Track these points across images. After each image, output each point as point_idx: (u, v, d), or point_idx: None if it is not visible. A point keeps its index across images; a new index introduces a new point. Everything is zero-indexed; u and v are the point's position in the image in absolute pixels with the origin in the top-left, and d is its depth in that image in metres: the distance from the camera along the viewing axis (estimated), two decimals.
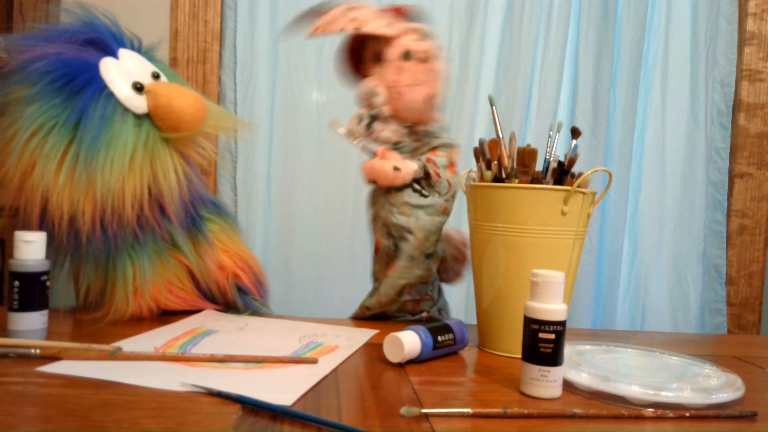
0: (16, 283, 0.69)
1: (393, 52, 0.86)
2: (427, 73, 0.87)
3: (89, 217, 0.77)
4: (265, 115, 1.29)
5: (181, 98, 0.84)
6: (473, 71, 1.29)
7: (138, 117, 0.82)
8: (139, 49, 0.89)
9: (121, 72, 0.83)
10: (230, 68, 1.25)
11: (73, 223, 0.77)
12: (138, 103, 0.82)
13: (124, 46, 0.87)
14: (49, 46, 0.80)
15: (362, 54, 0.93)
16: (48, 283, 0.71)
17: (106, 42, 0.84)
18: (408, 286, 0.89)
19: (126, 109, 0.81)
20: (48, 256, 0.72)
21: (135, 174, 0.79)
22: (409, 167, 0.87)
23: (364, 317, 0.94)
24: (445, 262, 0.94)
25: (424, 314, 0.93)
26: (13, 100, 0.78)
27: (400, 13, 0.90)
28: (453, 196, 0.91)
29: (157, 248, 0.85)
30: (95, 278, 0.83)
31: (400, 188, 0.88)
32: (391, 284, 0.89)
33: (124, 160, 0.78)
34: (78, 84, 0.78)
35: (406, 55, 0.85)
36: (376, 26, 0.85)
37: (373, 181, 0.91)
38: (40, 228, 0.78)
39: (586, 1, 1.31)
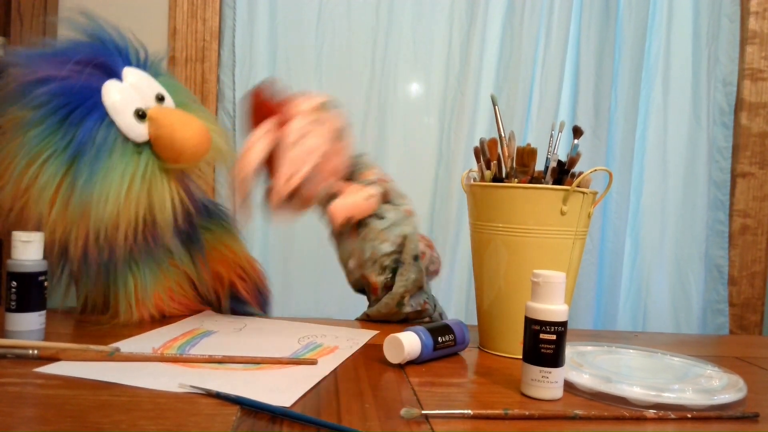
0: (14, 283, 0.69)
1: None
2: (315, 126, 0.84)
3: (80, 247, 0.76)
4: None
5: (184, 130, 0.81)
6: (473, 70, 1.29)
7: (138, 145, 0.80)
8: (144, 64, 0.86)
9: (124, 97, 0.80)
10: (229, 67, 1.25)
11: (63, 251, 0.77)
12: (139, 132, 0.80)
13: (129, 62, 0.84)
14: (54, 68, 0.78)
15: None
16: (46, 284, 0.71)
17: (111, 64, 0.82)
18: (407, 293, 0.89)
19: (126, 139, 0.79)
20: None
21: (130, 206, 0.77)
22: (373, 190, 0.87)
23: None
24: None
25: (426, 319, 0.93)
26: (13, 121, 0.77)
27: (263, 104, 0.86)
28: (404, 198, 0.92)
29: (156, 259, 0.85)
30: (96, 291, 0.83)
31: (364, 224, 0.87)
32: (390, 296, 0.88)
33: (120, 193, 0.76)
34: (80, 114, 0.76)
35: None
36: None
37: (346, 220, 0.87)
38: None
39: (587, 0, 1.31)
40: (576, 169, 0.78)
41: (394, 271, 0.88)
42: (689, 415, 0.57)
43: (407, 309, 0.89)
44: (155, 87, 0.84)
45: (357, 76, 1.30)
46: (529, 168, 0.77)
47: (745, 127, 1.35)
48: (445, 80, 1.32)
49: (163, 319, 0.85)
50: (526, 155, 0.77)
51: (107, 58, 0.81)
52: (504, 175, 0.79)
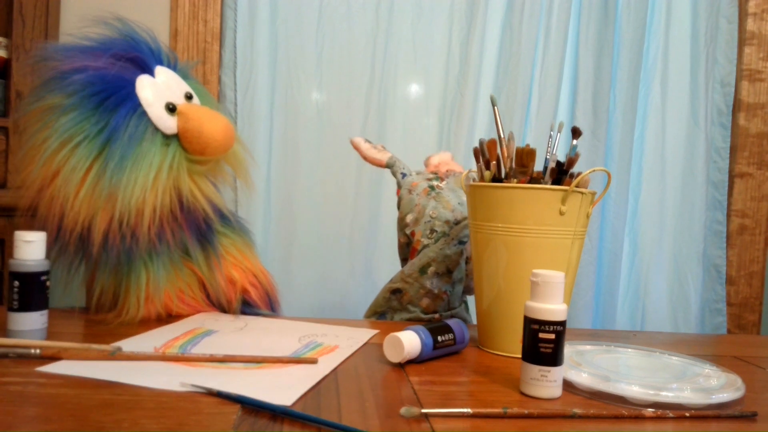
0: (16, 282, 0.69)
1: None
2: None
3: (102, 232, 0.78)
4: (265, 115, 1.29)
5: (211, 123, 0.85)
6: (473, 71, 1.29)
7: (167, 137, 0.83)
8: (174, 67, 0.90)
9: (156, 91, 0.84)
10: (230, 68, 1.25)
11: (86, 236, 0.78)
12: (169, 124, 0.83)
13: (161, 62, 0.88)
14: (91, 60, 0.81)
15: None
16: (48, 283, 0.71)
17: (145, 59, 0.85)
18: (434, 263, 0.90)
19: (156, 129, 0.82)
20: (62, 260, 0.73)
21: (156, 194, 0.80)
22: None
23: (379, 306, 0.94)
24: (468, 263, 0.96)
25: (436, 316, 0.93)
26: (48, 107, 0.79)
27: None
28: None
29: (171, 257, 0.85)
30: (109, 283, 0.83)
31: (434, 188, 0.95)
32: (419, 257, 0.91)
33: (148, 180, 0.79)
34: (114, 101, 0.79)
35: None
36: None
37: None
38: (57, 236, 0.79)
39: (586, 1, 1.31)
40: (575, 169, 0.79)
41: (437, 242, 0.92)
42: (687, 414, 0.57)
43: (427, 283, 0.91)
44: (184, 86, 0.89)
45: (357, 77, 1.30)
46: (528, 168, 0.77)
47: (743, 128, 1.35)
48: (444, 81, 1.32)
49: (167, 318, 0.85)
50: (525, 156, 0.77)
51: (141, 54, 0.85)
52: (503, 176, 0.79)
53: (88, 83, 0.79)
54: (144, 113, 0.82)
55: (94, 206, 0.77)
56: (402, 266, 0.97)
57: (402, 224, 0.95)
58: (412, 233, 0.92)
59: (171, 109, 0.84)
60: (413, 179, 0.97)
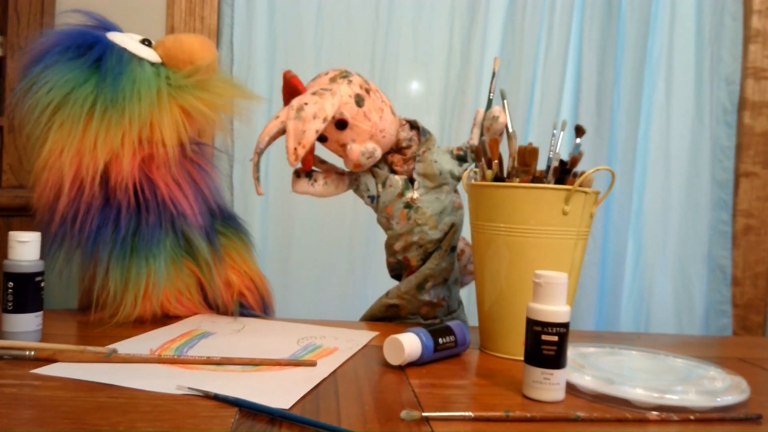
0: (11, 284, 0.69)
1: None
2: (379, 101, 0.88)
3: (129, 164, 0.78)
4: (263, 114, 1.28)
5: (186, 35, 0.88)
6: (475, 69, 1.29)
7: (154, 65, 0.85)
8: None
9: (126, 37, 0.86)
10: (227, 65, 1.25)
11: (109, 182, 0.78)
12: (149, 53, 0.85)
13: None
14: (53, 41, 0.82)
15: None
16: (43, 284, 0.71)
17: (107, 26, 0.88)
18: (431, 278, 0.89)
19: (141, 59, 0.84)
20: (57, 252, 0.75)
21: (165, 110, 0.81)
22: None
23: (375, 318, 0.93)
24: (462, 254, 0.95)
25: (437, 321, 0.92)
26: (33, 95, 0.79)
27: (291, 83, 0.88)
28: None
29: (174, 255, 0.85)
30: (107, 277, 0.81)
31: (416, 208, 0.88)
32: (415, 275, 0.89)
33: (152, 96, 0.80)
34: (86, 47, 0.82)
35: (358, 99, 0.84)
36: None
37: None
38: (74, 202, 0.78)
39: None
40: (578, 168, 0.78)
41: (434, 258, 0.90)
42: (692, 417, 0.57)
43: (425, 297, 0.90)
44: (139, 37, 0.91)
45: None
46: (531, 167, 0.76)
47: (748, 126, 1.34)
48: (445, 79, 1.32)
49: (163, 319, 0.85)
50: (528, 154, 0.76)
51: (105, 23, 0.89)
52: (505, 175, 0.79)
53: (56, 42, 0.81)
54: (123, 49, 0.83)
55: (113, 141, 0.78)
56: (390, 275, 0.96)
57: (391, 250, 0.92)
58: (405, 259, 0.91)
59: (147, 43, 0.86)
60: (385, 202, 0.89)
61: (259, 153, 0.80)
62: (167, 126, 0.81)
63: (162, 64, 0.86)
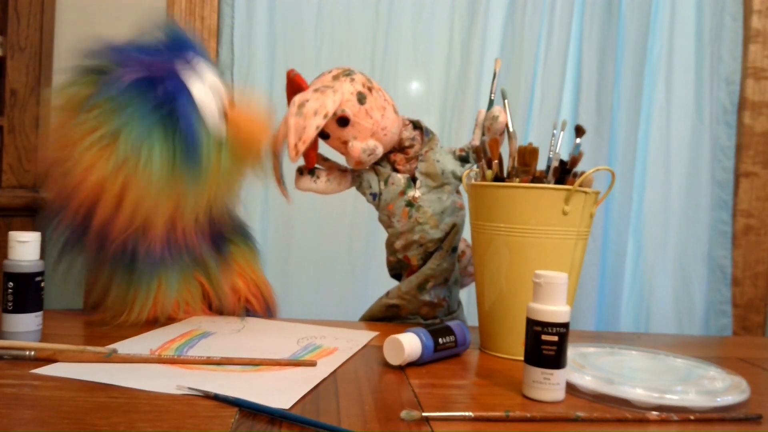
0: (11, 284, 0.68)
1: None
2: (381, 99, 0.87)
3: (163, 224, 0.77)
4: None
5: (257, 120, 0.86)
6: (475, 69, 1.29)
7: (220, 144, 0.82)
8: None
9: (208, 97, 0.82)
10: (227, 66, 1.25)
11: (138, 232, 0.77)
12: (218, 124, 0.82)
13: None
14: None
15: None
16: (43, 284, 0.71)
17: (187, 47, 0.85)
18: (432, 279, 0.89)
19: (209, 132, 0.81)
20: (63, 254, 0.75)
21: (212, 189, 0.80)
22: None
23: (375, 318, 0.93)
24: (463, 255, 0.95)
25: (437, 321, 0.92)
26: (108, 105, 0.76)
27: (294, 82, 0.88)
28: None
29: (186, 269, 0.85)
30: (119, 284, 0.82)
31: (417, 207, 0.88)
32: (416, 275, 0.89)
33: (209, 175, 0.79)
34: (160, 85, 0.78)
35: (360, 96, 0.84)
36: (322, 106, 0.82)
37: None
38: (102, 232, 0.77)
39: None
40: (578, 168, 0.78)
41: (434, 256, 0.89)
42: (692, 417, 0.57)
43: (426, 297, 0.90)
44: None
45: None
46: (531, 167, 0.76)
47: (748, 126, 1.34)
48: (445, 79, 1.32)
49: (164, 321, 0.85)
50: (528, 154, 0.76)
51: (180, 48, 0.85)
52: (505, 175, 0.79)
53: (132, 67, 0.77)
54: (196, 112, 0.79)
55: (152, 195, 0.76)
56: (389, 274, 0.96)
57: (391, 248, 0.92)
58: (405, 257, 0.91)
59: (220, 114, 0.83)
60: (387, 200, 0.90)
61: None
62: (212, 205, 0.83)
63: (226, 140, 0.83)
